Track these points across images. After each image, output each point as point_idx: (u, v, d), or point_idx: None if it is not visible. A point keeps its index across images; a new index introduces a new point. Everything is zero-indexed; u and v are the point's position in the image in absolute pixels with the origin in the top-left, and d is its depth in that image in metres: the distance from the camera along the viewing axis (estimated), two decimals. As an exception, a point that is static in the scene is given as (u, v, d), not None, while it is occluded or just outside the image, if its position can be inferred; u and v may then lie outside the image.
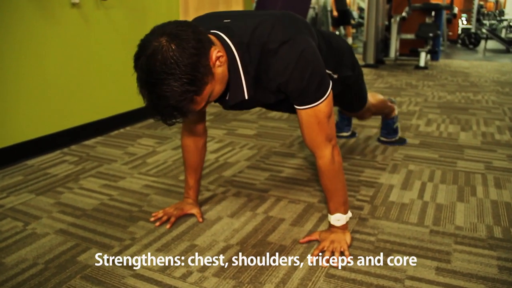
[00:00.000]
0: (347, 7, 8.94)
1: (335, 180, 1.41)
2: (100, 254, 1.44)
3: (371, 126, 2.96)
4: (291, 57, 1.22)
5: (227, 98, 1.29)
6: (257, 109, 3.56)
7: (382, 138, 2.58)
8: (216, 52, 1.13)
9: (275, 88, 1.29)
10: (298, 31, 1.27)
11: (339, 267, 1.35)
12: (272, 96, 1.34)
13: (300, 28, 1.30)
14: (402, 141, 2.58)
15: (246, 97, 1.28)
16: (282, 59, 1.22)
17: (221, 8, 4.25)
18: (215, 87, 1.16)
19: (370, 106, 2.13)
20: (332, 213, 1.47)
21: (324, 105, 1.30)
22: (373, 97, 2.19)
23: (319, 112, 1.31)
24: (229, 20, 1.28)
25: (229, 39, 1.22)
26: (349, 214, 1.49)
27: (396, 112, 2.52)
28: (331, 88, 1.33)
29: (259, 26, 1.24)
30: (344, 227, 1.48)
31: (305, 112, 1.32)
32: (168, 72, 1.03)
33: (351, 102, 1.97)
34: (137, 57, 1.08)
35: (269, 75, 1.25)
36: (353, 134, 2.72)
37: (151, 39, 1.06)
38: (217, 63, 1.14)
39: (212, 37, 1.18)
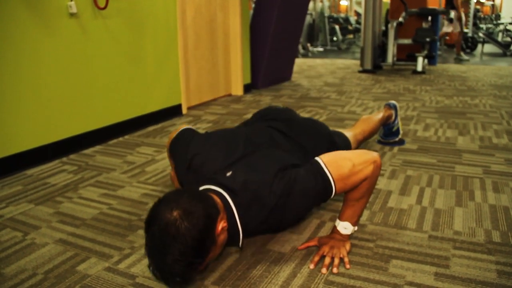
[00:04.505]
0: None
1: (365, 193, 1.41)
2: (100, 263, 1.45)
3: (369, 132, 2.96)
4: (297, 204, 1.33)
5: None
6: (256, 116, 3.57)
7: (381, 139, 2.68)
8: (222, 223, 1.23)
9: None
10: (291, 180, 1.33)
11: (339, 274, 1.36)
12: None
13: (291, 171, 1.36)
14: (401, 142, 2.66)
15: (240, 246, 1.37)
16: (291, 208, 1.34)
17: (219, 15, 4.27)
18: (216, 251, 1.26)
19: (356, 144, 2.13)
20: (342, 220, 1.47)
21: (337, 184, 1.34)
22: (361, 132, 2.20)
23: (339, 187, 1.35)
24: (230, 174, 1.36)
25: (233, 202, 1.30)
26: (356, 228, 1.49)
27: (393, 118, 2.56)
28: (330, 176, 1.34)
29: (259, 186, 1.32)
30: (345, 237, 1.48)
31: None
32: (179, 246, 1.12)
33: None
34: (149, 224, 1.16)
35: (278, 221, 1.37)
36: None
37: (164, 210, 1.15)
38: (221, 231, 1.24)
39: (217, 199, 1.28)
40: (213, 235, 1.19)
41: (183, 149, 1.53)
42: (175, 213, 1.13)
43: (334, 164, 1.35)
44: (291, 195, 1.31)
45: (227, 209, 1.29)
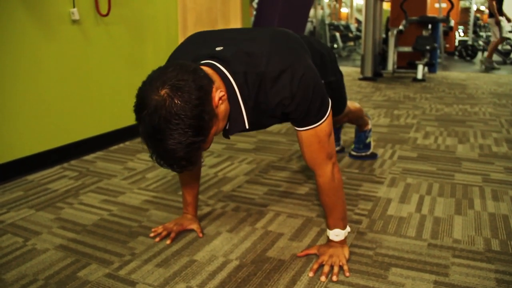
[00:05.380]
0: None
1: (335, 197, 1.42)
2: (100, 269, 1.45)
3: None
4: (293, 84, 1.20)
5: (227, 128, 1.27)
6: (256, 122, 3.58)
7: (353, 153, 2.58)
8: (218, 93, 1.11)
9: (278, 114, 1.29)
10: (295, 54, 1.25)
11: (338, 282, 1.36)
12: (273, 120, 1.34)
13: (296, 49, 1.28)
14: (373, 156, 2.57)
15: (247, 127, 1.27)
16: (284, 88, 1.20)
17: (220, 24, 4.29)
18: (219, 125, 1.15)
19: (348, 111, 2.12)
20: (331, 229, 1.48)
21: (325, 124, 1.31)
22: (351, 104, 2.21)
23: (320, 131, 1.31)
24: (221, 48, 1.24)
25: (227, 70, 1.19)
26: (348, 229, 1.50)
27: (369, 126, 2.54)
28: (330, 105, 1.33)
29: (255, 53, 1.21)
30: (342, 242, 1.49)
31: (306, 132, 1.32)
32: (174, 128, 1.01)
33: (332, 106, 1.97)
34: (138, 111, 1.06)
35: (271, 103, 1.24)
36: (342, 150, 2.69)
37: (151, 92, 1.03)
38: (220, 102, 1.13)
39: (209, 70, 1.17)
40: (211, 108, 1.08)
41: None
42: (162, 92, 1.01)
43: (329, 120, 1.32)
44: (287, 71, 1.19)
45: (223, 79, 1.17)
